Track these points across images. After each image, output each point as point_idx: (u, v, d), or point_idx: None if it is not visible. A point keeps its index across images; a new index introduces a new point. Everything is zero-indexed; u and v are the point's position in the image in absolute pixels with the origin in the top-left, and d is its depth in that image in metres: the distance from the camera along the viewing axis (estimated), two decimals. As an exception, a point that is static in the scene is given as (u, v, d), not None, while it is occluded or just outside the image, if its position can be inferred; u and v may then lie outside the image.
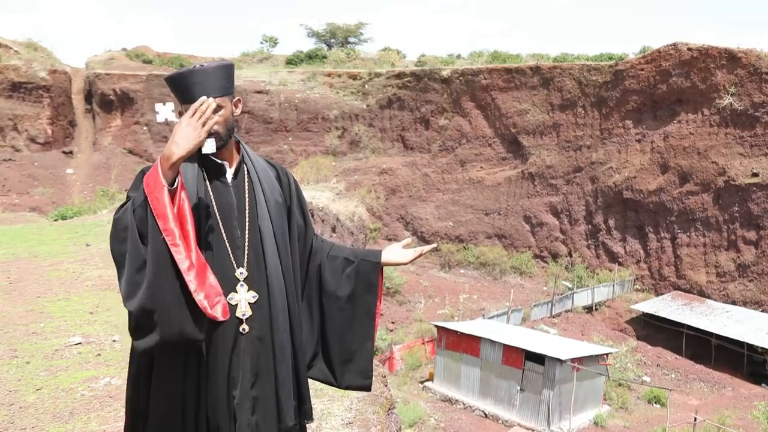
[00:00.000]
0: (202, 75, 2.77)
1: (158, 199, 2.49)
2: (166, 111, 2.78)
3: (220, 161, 2.91)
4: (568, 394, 23.27)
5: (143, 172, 2.74)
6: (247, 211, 2.95)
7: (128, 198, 2.69)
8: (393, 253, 3.27)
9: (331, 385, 3.28)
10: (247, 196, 2.97)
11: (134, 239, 2.51)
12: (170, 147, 2.53)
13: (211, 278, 2.62)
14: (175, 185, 2.56)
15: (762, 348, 29.78)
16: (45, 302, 9.28)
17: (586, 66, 40.79)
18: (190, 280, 2.49)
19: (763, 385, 28.68)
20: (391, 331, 30.57)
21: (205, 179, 2.89)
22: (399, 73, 46.65)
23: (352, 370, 3.25)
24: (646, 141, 38.51)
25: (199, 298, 2.52)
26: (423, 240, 43.74)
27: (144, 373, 2.75)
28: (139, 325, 2.54)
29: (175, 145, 2.52)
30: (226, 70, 2.85)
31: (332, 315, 3.22)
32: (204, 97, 2.63)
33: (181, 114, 2.84)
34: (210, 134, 2.65)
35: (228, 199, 2.92)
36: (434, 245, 3.64)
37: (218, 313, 2.57)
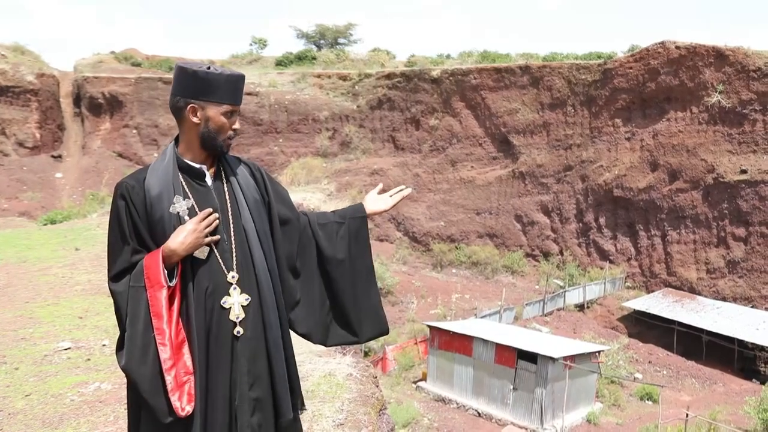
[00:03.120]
0: (242, 81, 2.94)
1: (156, 298, 2.70)
2: (181, 206, 2.83)
3: (198, 165, 2.93)
4: (561, 392, 23.33)
5: (118, 191, 2.87)
6: (229, 213, 2.96)
7: (115, 245, 2.84)
8: (374, 202, 3.48)
9: (354, 343, 3.47)
10: (227, 197, 2.98)
11: (134, 325, 2.72)
12: (176, 245, 2.74)
13: (186, 356, 2.76)
14: (174, 281, 2.76)
15: (752, 344, 30.12)
16: (34, 307, 9.22)
17: (575, 65, 40.97)
18: (169, 381, 2.66)
19: (754, 380, 28.87)
20: (384, 331, 30.60)
21: (183, 184, 2.89)
22: (389, 73, 46.77)
23: (368, 322, 3.37)
24: (635, 139, 38.73)
25: (174, 398, 2.67)
26: (415, 240, 43.87)
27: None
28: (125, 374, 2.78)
29: (182, 245, 2.74)
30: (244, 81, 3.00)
31: (337, 278, 3.28)
32: (210, 210, 2.85)
33: (192, 107, 2.84)
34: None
35: (210, 203, 2.92)
36: (410, 189, 3.72)
37: (185, 407, 2.68)
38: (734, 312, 32.62)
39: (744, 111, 35.20)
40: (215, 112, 2.84)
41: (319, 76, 48.84)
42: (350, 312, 3.32)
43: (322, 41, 56.57)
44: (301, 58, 53.60)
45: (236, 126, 2.94)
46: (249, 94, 46.44)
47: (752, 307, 33.56)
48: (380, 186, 3.63)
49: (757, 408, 23.25)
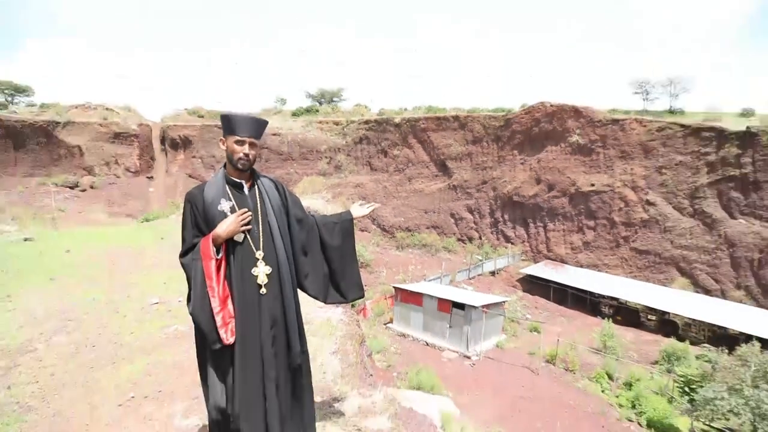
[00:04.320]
0: (259, 122, 2.96)
1: (208, 266, 2.80)
2: (225, 206, 2.91)
3: (238, 180, 2.97)
4: (480, 328, 23.45)
5: (187, 198, 2.96)
6: (259, 212, 2.98)
7: (184, 233, 2.94)
8: (357, 210, 3.52)
9: (343, 302, 3.46)
10: (258, 202, 3.00)
11: (195, 284, 2.83)
12: (220, 231, 2.82)
13: (230, 305, 2.83)
14: (219, 255, 2.83)
15: (598, 294, 30.52)
16: (135, 276, 9.31)
17: (488, 115, 40.95)
18: (218, 320, 2.77)
19: (598, 317, 29.31)
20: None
21: (229, 192, 2.95)
22: (366, 120, 46.34)
23: (352, 288, 3.42)
24: (526, 164, 38.94)
25: (221, 332, 2.78)
26: (384, 230, 43.92)
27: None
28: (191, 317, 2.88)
29: (224, 232, 2.83)
30: (265, 124, 3.02)
31: (333, 259, 3.33)
32: (246, 209, 2.91)
33: (222, 140, 2.95)
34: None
35: (246, 204, 2.95)
36: (378, 204, 3.85)
37: (229, 338, 2.78)
38: (588, 275, 33.18)
39: (592, 147, 35.58)
40: (230, 142, 2.89)
41: (320, 122, 48.49)
42: (341, 282, 3.37)
43: (322, 99, 56.29)
44: (308, 110, 53.20)
45: (246, 151, 2.90)
46: (274, 134, 46.18)
47: (598, 271, 34.17)
48: (360, 201, 3.68)
49: (599, 333, 23.96)
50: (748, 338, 20.46)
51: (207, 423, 3.02)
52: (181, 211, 3.07)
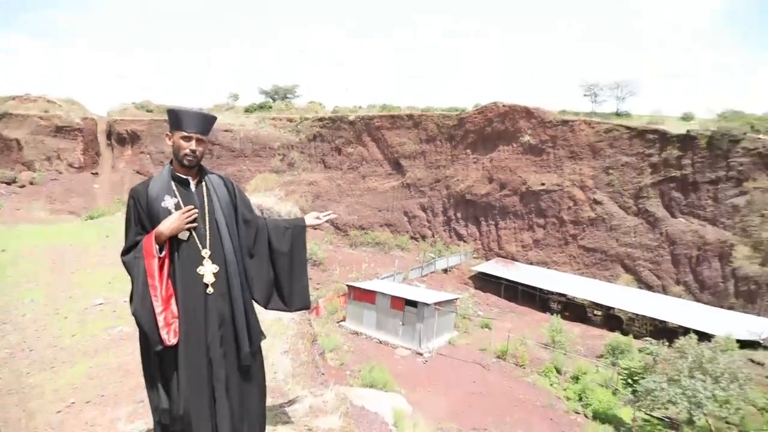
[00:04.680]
0: (207, 118, 2.90)
1: (150, 264, 2.71)
2: (168, 203, 2.83)
3: (185, 177, 2.91)
4: (432, 325, 23.55)
5: (130, 194, 2.89)
6: (206, 209, 2.90)
7: (127, 230, 2.86)
8: (311, 219, 3.42)
9: (285, 310, 3.30)
10: (205, 199, 2.92)
11: (137, 283, 2.73)
12: (164, 228, 2.73)
13: (173, 305, 2.75)
14: (162, 253, 2.75)
15: (547, 290, 31.32)
16: (78, 275, 9.00)
17: (442, 114, 41.36)
18: (160, 321, 2.68)
19: (548, 313, 29.99)
20: (317, 289, 30.37)
21: (174, 189, 2.88)
22: (321, 117, 46.11)
23: (297, 297, 3.27)
24: (479, 163, 39.47)
25: (163, 333, 2.69)
26: (338, 228, 43.77)
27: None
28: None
29: (167, 229, 2.73)
30: (213, 120, 2.96)
31: (280, 265, 3.20)
32: (192, 206, 2.82)
33: (168, 135, 2.90)
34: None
35: (192, 201, 2.88)
36: (335, 215, 3.73)
37: (171, 339, 2.70)
38: (537, 272, 33.90)
39: (542, 147, 36.47)
40: (177, 137, 2.84)
41: (273, 119, 47.79)
42: (285, 289, 3.23)
43: (276, 95, 55.51)
44: (262, 106, 52.32)
45: (192, 147, 2.83)
46: (226, 130, 45.18)
47: (548, 268, 35.02)
48: (315, 213, 3.54)
49: (548, 329, 24.59)
50: (686, 331, 21.57)
51: (152, 427, 2.94)
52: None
